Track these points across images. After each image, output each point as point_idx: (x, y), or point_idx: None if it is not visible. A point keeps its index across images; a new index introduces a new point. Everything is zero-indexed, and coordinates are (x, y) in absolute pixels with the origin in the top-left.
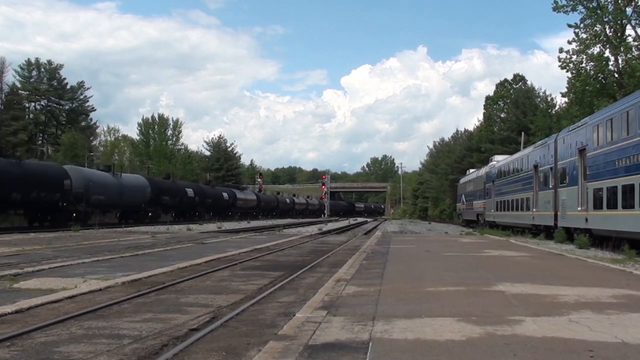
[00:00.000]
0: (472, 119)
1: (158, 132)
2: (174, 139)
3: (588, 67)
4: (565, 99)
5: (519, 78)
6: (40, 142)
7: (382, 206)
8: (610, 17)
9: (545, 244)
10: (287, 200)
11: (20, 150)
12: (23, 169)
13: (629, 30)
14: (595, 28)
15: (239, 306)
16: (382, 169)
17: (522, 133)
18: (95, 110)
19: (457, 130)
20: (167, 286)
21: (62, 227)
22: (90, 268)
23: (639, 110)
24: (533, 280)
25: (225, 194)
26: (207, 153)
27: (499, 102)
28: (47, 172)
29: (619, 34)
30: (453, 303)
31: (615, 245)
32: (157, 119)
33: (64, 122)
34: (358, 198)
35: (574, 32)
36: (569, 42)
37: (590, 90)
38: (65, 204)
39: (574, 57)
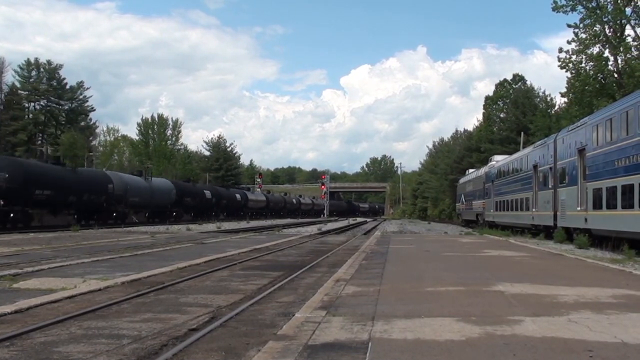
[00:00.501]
0: (472, 119)
1: (157, 132)
2: (174, 139)
3: (587, 67)
4: (565, 99)
5: (518, 78)
6: (39, 142)
7: (382, 206)
8: (609, 17)
9: (545, 244)
10: (294, 201)
11: (19, 151)
12: (77, 176)
13: (628, 30)
14: (594, 28)
15: (238, 306)
16: (382, 169)
17: (522, 133)
18: (94, 110)
19: (457, 130)
20: (166, 286)
21: (106, 225)
22: (90, 268)
23: (639, 110)
24: (532, 280)
25: (238, 196)
26: (207, 153)
27: (498, 102)
28: (96, 178)
29: (618, 34)
30: (452, 303)
31: (615, 245)
32: (156, 119)
33: (63, 122)
34: (357, 198)
35: (574, 32)
36: (569, 42)
37: (590, 90)
38: (107, 205)
39: (574, 57)
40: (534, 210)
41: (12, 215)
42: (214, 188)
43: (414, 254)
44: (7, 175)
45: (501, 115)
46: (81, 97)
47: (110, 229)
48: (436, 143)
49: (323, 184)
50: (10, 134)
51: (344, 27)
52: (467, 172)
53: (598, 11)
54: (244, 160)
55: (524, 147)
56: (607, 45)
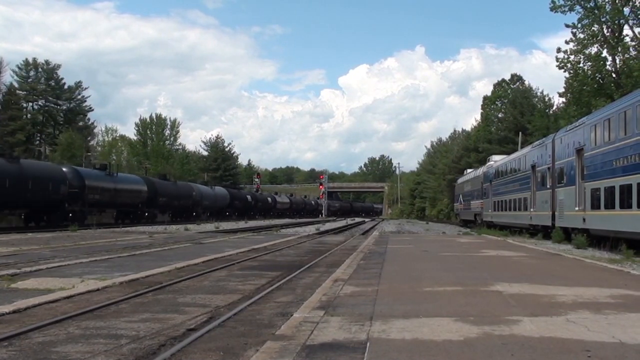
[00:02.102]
0: (471, 119)
1: (156, 132)
2: (172, 139)
3: (585, 67)
4: (563, 99)
5: (516, 78)
6: (38, 142)
7: (380, 206)
8: (607, 17)
9: (543, 244)
10: (313, 202)
11: (18, 151)
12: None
13: (626, 30)
14: (592, 28)
15: (236, 306)
16: (380, 169)
17: (520, 133)
18: (92, 110)
19: (455, 130)
20: (164, 286)
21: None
22: (88, 268)
23: (637, 110)
24: (531, 280)
25: (269, 199)
26: (205, 153)
27: (496, 102)
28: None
29: (616, 34)
30: (450, 303)
31: (613, 245)
32: (154, 119)
33: (61, 122)
34: (355, 198)
35: (572, 32)
36: (567, 42)
37: (588, 90)
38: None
39: (572, 57)
40: (532, 210)
41: None
42: (252, 194)
43: (412, 254)
44: None
45: (499, 115)
46: (79, 97)
47: (109, 229)
48: (434, 143)
49: (321, 184)
50: (8, 134)
51: (342, 27)
52: (465, 172)
53: (596, 11)
54: (242, 160)
55: (522, 147)
56: (605, 45)
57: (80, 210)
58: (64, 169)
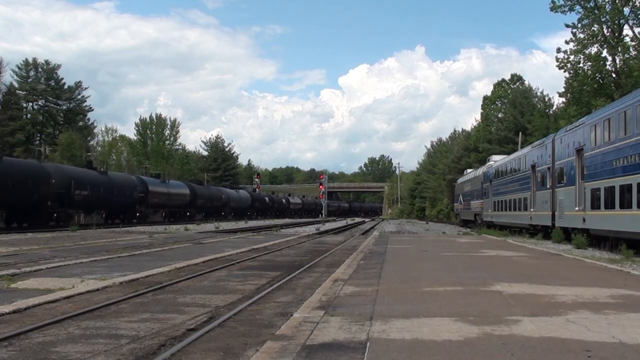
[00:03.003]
0: (471, 119)
1: (155, 132)
2: (172, 139)
3: (585, 67)
4: (563, 99)
5: (516, 78)
6: (37, 142)
7: (380, 206)
8: (607, 17)
9: (543, 244)
10: (323, 204)
11: (17, 151)
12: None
13: (626, 30)
14: (592, 28)
15: (236, 306)
16: (380, 169)
17: (520, 133)
18: (92, 110)
19: (455, 130)
20: (164, 286)
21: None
22: (88, 268)
23: (637, 110)
24: (530, 280)
25: (284, 200)
26: (205, 153)
27: (496, 102)
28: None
29: (616, 34)
30: (450, 303)
31: (613, 245)
32: (154, 119)
33: (61, 122)
34: (355, 198)
35: (572, 32)
36: (567, 42)
37: (588, 90)
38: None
39: (572, 57)
40: (532, 210)
41: None
42: (270, 196)
43: (412, 254)
44: None
45: (499, 115)
46: (79, 97)
47: (109, 229)
48: (434, 143)
49: (321, 184)
50: (8, 134)
51: (342, 27)
52: (465, 172)
53: (596, 11)
54: (242, 160)
55: (522, 147)
56: (605, 45)
57: (145, 211)
58: (132, 178)
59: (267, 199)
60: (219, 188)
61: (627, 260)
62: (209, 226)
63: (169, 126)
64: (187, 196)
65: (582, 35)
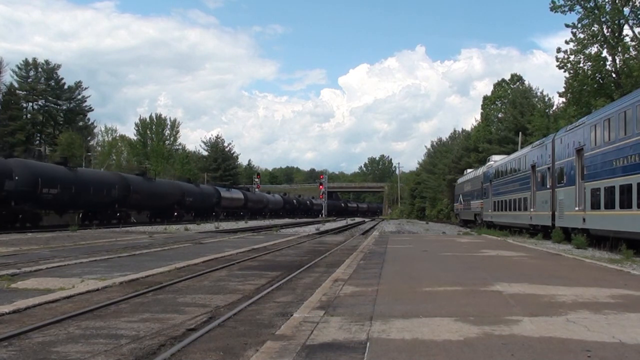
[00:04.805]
0: (472, 119)
1: (156, 132)
2: (172, 139)
3: (585, 67)
4: (563, 99)
5: (516, 78)
6: (37, 142)
7: (380, 206)
8: (607, 17)
9: (543, 244)
10: (343, 204)
11: (18, 151)
12: None
13: (626, 30)
14: (592, 28)
15: (236, 306)
16: (380, 169)
17: (520, 133)
18: (92, 110)
19: (455, 130)
20: (164, 286)
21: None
22: (88, 268)
23: (637, 110)
24: (530, 280)
25: (308, 202)
26: (205, 153)
27: (496, 102)
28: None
29: (616, 34)
30: (450, 303)
31: (613, 245)
32: (154, 119)
33: (61, 122)
34: (355, 198)
35: (572, 32)
36: (567, 42)
37: (588, 90)
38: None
39: (572, 57)
40: (532, 210)
41: None
42: (287, 198)
43: (411, 254)
44: None
45: (499, 115)
46: (79, 97)
47: (109, 229)
48: (434, 143)
49: (321, 184)
50: (8, 134)
51: (342, 27)
52: (465, 172)
53: (596, 11)
54: (243, 160)
55: (522, 147)
56: (605, 45)
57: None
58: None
59: (295, 201)
60: (240, 190)
61: (627, 260)
62: (209, 226)
63: (169, 126)
64: (214, 198)
65: (582, 35)
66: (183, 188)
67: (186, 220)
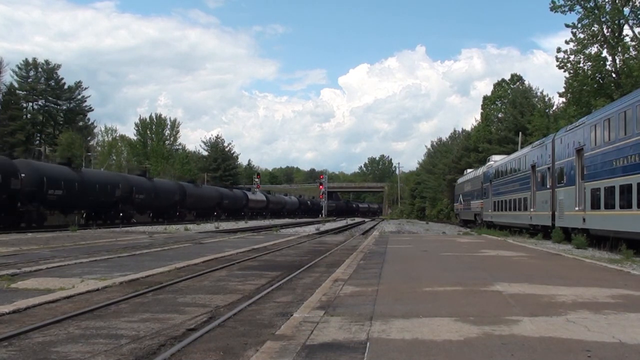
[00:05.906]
0: (472, 119)
1: (156, 132)
2: (172, 139)
3: (585, 67)
4: (563, 99)
5: (516, 78)
6: (37, 142)
7: (380, 206)
8: (607, 17)
9: (543, 244)
10: (354, 205)
11: (18, 151)
12: None
13: (626, 30)
14: (592, 28)
15: (236, 306)
16: (380, 169)
17: (520, 133)
18: (92, 110)
19: (455, 130)
20: (164, 286)
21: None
22: (88, 268)
23: (637, 110)
24: (530, 280)
25: (320, 203)
26: (205, 153)
27: (496, 102)
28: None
29: (616, 34)
30: (450, 303)
31: (613, 245)
32: (154, 119)
33: (61, 122)
34: (355, 198)
35: (572, 32)
36: (567, 42)
37: (588, 90)
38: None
39: (572, 57)
40: (532, 210)
41: None
42: (303, 200)
43: (412, 254)
44: None
45: (499, 115)
46: (79, 97)
47: (109, 229)
48: (434, 143)
49: (321, 184)
50: (8, 134)
51: (343, 27)
52: (465, 172)
53: (596, 11)
54: (243, 160)
55: (522, 147)
56: (605, 45)
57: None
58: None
59: (309, 202)
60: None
61: (627, 260)
62: (209, 226)
63: (169, 126)
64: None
65: (582, 35)
66: (220, 192)
67: (188, 220)
